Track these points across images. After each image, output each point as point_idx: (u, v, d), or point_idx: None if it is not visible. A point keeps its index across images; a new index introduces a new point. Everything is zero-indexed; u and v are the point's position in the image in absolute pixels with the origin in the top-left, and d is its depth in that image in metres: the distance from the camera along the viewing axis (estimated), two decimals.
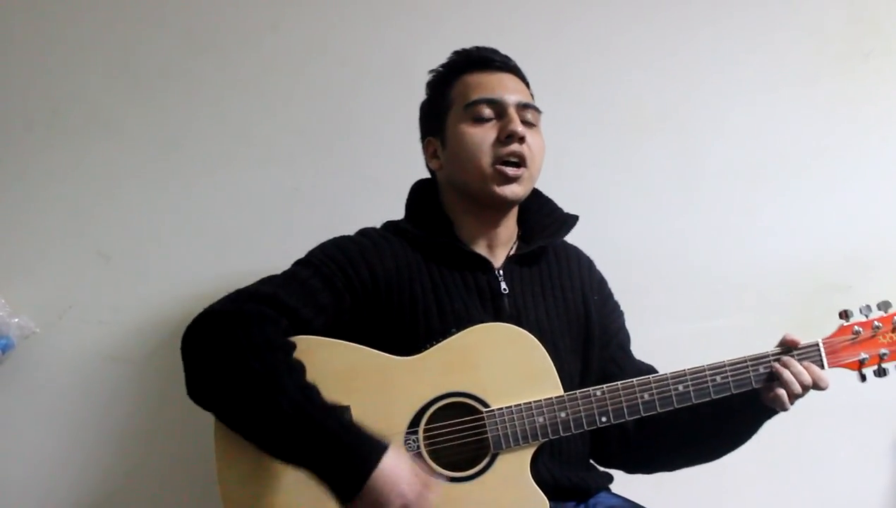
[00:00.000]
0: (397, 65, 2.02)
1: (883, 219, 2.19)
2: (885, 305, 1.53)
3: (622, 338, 1.71)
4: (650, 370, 1.64)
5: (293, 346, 1.42)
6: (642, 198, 2.12)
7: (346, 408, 1.40)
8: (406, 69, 1.99)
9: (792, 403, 1.48)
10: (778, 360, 1.50)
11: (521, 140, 1.54)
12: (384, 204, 1.71)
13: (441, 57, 1.66)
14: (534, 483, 1.45)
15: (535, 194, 1.68)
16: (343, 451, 1.30)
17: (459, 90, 1.61)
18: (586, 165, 2.09)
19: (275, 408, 1.32)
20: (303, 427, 1.32)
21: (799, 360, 1.49)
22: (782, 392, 1.47)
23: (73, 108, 1.91)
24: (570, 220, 1.67)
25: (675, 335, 2.05)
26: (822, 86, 2.20)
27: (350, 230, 1.62)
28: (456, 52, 1.66)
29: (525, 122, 1.57)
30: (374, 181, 2.00)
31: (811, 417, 1.52)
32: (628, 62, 2.14)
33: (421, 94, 1.69)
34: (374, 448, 1.31)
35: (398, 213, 1.67)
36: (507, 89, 1.59)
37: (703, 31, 2.17)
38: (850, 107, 2.20)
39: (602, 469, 1.67)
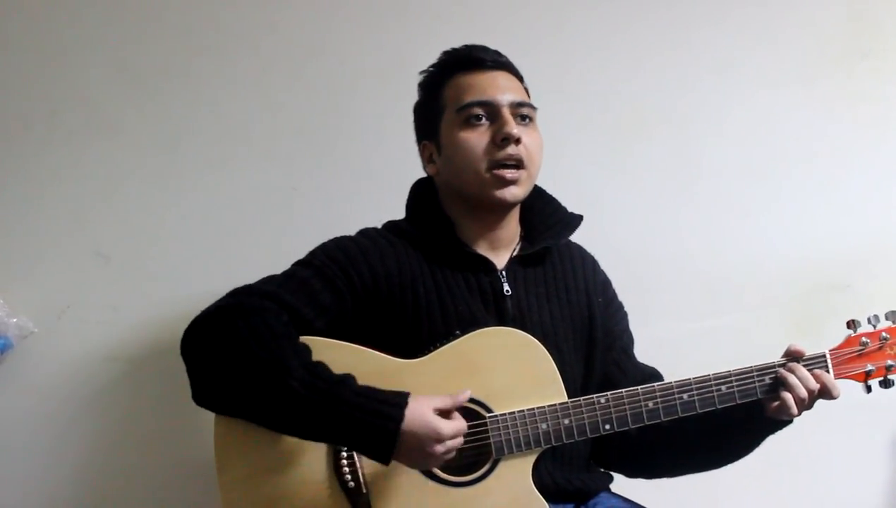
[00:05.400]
0: (395, 64, 2.01)
1: (882, 217, 2.19)
2: (892, 315, 1.51)
3: (626, 341, 1.69)
4: (653, 373, 1.64)
5: (295, 335, 1.41)
6: (640, 198, 2.12)
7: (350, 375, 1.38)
8: (404, 69, 1.96)
9: (799, 412, 1.46)
10: (783, 367, 1.48)
11: (517, 141, 1.52)
12: (383, 203, 1.70)
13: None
14: (535, 490, 1.44)
15: (539, 193, 1.65)
16: (367, 416, 1.31)
17: (451, 92, 1.58)
18: (584, 164, 2.08)
19: (287, 391, 1.31)
20: (320, 405, 1.31)
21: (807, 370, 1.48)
22: (788, 396, 1.45)
23: (71, 109, 1.90)
24: (575, 220, 1.64)
25: (674, 334, 2.05)
26: (820, 86, 2.20)
27: (348, 229, 1.61)
28: (445, 52, 1.63)
29: (520, 118, 1.55)
30: (373, 181, 1.99)
31: (810, 416, 1.51)
32: (627, 61, 2.13)
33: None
34: (395, 403, 1.32)
35: (397, 213, 1.66)
36: (499, 89, 1.55)
37: (702, 29, 2.17)
38: (848, 106, 2.20)
39: (602, 469, 1.67)
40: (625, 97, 2.13)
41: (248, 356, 1.34)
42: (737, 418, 1.51)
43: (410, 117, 1.69)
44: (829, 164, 2.19)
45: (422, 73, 1.65)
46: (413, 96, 1.68)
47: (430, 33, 2.01)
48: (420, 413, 1.32)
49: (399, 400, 1.33)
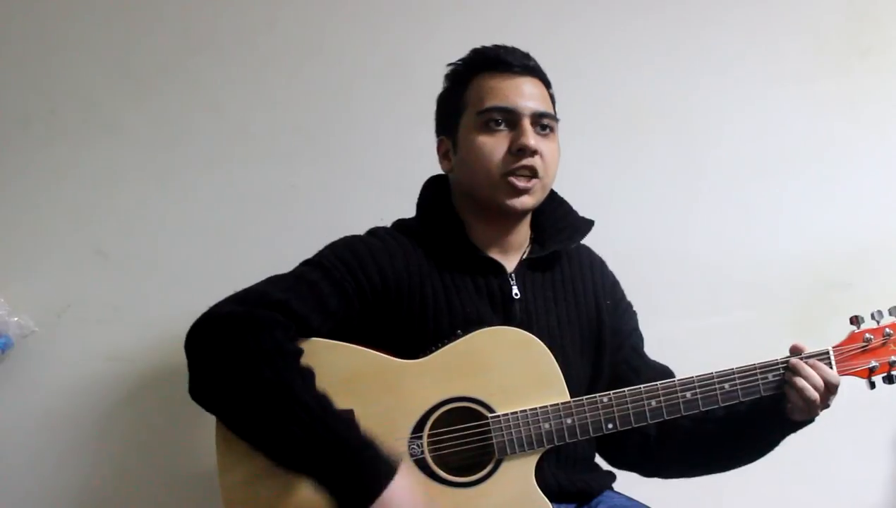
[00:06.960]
0: (394, 62, 2.01)
1: (883, 216, 2.19)
2: None
3: (635, 340, 1.68)
4: (665, 370, 1.64)
5: (301, 352, 1.40)
6: (643, 197, 2.12)
7: (352, 412, 1.38)
8: (403, 67, 1.99)
9: (818, 411, 1.47)
10: (787, 368, 1.48)
11: (534, 153, 1.50)
12: (381, 201, 1.71)
13: (437, 55, 1.63)
14: (538, 490, 1.44)
15: (551, 196, 1.63)
16: (361, 464, 1.30)
17: (474, 92, 1.55)
18: (586, 164, 2.08)
19: (291, 417, 1.30)
20: (320, 438, 1.31)
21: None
22: (798, 399, 1.45)
23: (71, 107, 1.90)
24: (585, 225, 1.64)
25: (676, 333, 2.04)
26: (820, 84, 2.20)
27: (347, 227, 1.59)
28: (474, 50, 1.59)
29: (540, 128, 1.53)
30: (372, 179, 1.99)
31: None
32: (628, 61, 2.13)
33: (418, 92, 1.67)
34: (388, 464, 1.32)
35: (396, 211, 1.65)
36: (522, 97, 1.52)
37: (702, 28, 2.17)
38: (848, 104, 2.20)
39: (606, 468, 1.66)
40: (626, 97, 2.13)
41: (256, 376, 1.33)
42: (759, 417, 1.51)
43: (409, 116, 1.70)
44: (830, 162, 2.19)
45: (449, 65, 1.61)
46: (412, 94, 1.68)
47: (428, 32, 2.02)
48: (404, 483, 1.32)
49: (393, 463, 1.33)
